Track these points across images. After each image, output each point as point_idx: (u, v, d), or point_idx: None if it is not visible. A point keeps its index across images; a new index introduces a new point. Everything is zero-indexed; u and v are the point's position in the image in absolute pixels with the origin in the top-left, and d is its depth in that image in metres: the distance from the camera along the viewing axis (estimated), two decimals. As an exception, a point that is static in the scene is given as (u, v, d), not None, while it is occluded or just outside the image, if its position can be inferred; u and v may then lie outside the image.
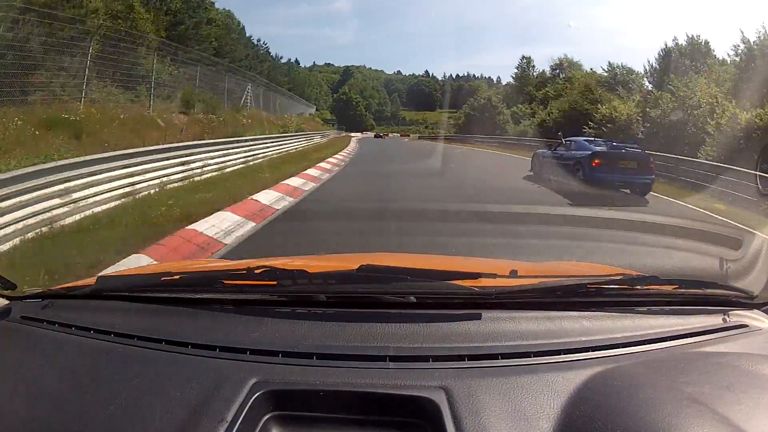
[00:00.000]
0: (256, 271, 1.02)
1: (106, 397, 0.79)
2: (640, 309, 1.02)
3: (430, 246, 4.55)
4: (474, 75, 75.00)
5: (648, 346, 0.92)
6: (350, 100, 71.01)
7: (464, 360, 0.85)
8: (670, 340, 0.95)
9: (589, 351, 0.89)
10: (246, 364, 0.85)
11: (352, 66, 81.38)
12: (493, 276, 1.02)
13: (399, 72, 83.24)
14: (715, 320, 1.04)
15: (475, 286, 0.97)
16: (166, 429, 0.72)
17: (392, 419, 0.76)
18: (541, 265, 1.73)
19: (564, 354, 0.87)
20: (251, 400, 0.75)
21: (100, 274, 1.17)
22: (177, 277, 1.10)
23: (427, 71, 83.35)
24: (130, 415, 0.75)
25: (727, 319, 1.04)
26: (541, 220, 6.20)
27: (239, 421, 0.72)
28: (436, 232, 5.22)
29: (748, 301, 1.10)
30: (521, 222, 5.99)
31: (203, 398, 0.77)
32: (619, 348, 0.91)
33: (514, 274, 1.09)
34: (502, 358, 0.86)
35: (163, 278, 1.12)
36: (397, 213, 6.30)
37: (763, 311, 1.09)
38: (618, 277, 1.10)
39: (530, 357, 0.87)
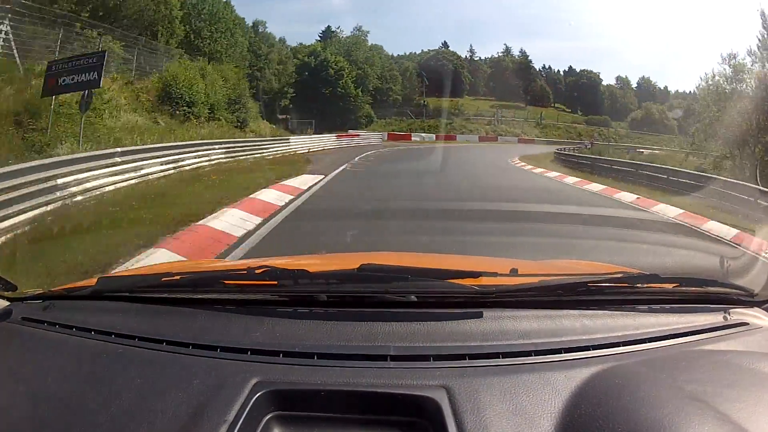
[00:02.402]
0: (257, 271, 1.02)
1: (107, 398, 0.79)
2: (641, 307, 1.03)
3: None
4: (511, 53, 50.06)
5: (649, 344, 0.93)
6: (325, 65, 35.46)
7: (465, 359, 0.85)
8: (670, 339, 0.95)
9: (590, 349, 0.89)
10: (247, 364, 0.85)
11: (337, 29, 43.23)
12: (494, 275, 1.02)
13: (404, 54, 50.22)
14: (715, 318, 1.04)
15: (476, 285, 0.97)
16: (167, 429, 0.72)
17: (393, 418, 0.76)
18: (541, 263, 1.73)
19: (565, 352, 0.87)
20: (252, 400, 0.75)
21: (100, 275, 1.17)
22: (177, 277, 1.10)
23: (445, 42, 50.51)
24: (131, 416, 0.75)
25: (728, 317, 1.04)
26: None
27: (240, 421, 0.72)
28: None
29: (748, 299, 1.10)
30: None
31: (205, 399, 0.77)
32: (620, 346, 0.91)
33: (514, 272, 1.09)
34: (503, 357, 0.86)
35: (163, 278, 1.12)
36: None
37: (763, 309, 1.09)
38: (618, 276, 1.10)
39: (531, 356, 0.87)
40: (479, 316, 0.94)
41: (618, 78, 51.64)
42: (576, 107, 48.48)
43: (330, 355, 0.86)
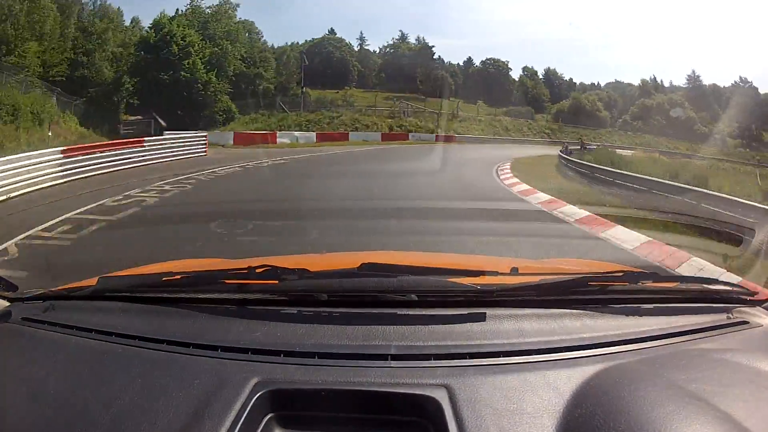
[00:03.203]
0: (258, 270, 1.02)
1: (108, 399, 0.79)
2: (642, 306, 1.02)
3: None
4: (407, 39, 43.11)
5: (649, 343, 0.92)
6: (169, 40, 24.86)
7: (466, 358, 0.85)
8: (671, 337, 0.95)
9: (590, 348, 0.89)
10: (248, 364, 0.85)
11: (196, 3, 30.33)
12: (495, 273, 1.02)
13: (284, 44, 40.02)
14: (715, 317, 1.04)
15: (477, 284, 0.97)
16: (168, 429, 0.72)
17: (394, 418, 0.76)
18: (542, 262, 1.74)
19: (565, 351, 0.87)
20: (253, 400, 0.75)
21: (101, 275, 1.17)
22: (178, 277, 1.10)
23: (331, 29, 42.80)
24: (132, 416, 0.75)
25: (729, 316, 1.04)
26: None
27: (241, 422, 0.72)
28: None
29: (749, 298, 1.10)
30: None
31: (205, 399, 0.77)
32: (620, 345, 0.91)
33: (515, 271, 1.09)
34: (504, 356, 0.86)
35: (164, 278, 1.12)
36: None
37: (764, 308, 1.09)
38: (619, 274, 1.10)
39: (532, 354, 0.87)
40: (480, 315, 0.94)
41: (525, 68, 46.26)
42: (476, 99, 40.73)
43: (331, 354, 0.86)
